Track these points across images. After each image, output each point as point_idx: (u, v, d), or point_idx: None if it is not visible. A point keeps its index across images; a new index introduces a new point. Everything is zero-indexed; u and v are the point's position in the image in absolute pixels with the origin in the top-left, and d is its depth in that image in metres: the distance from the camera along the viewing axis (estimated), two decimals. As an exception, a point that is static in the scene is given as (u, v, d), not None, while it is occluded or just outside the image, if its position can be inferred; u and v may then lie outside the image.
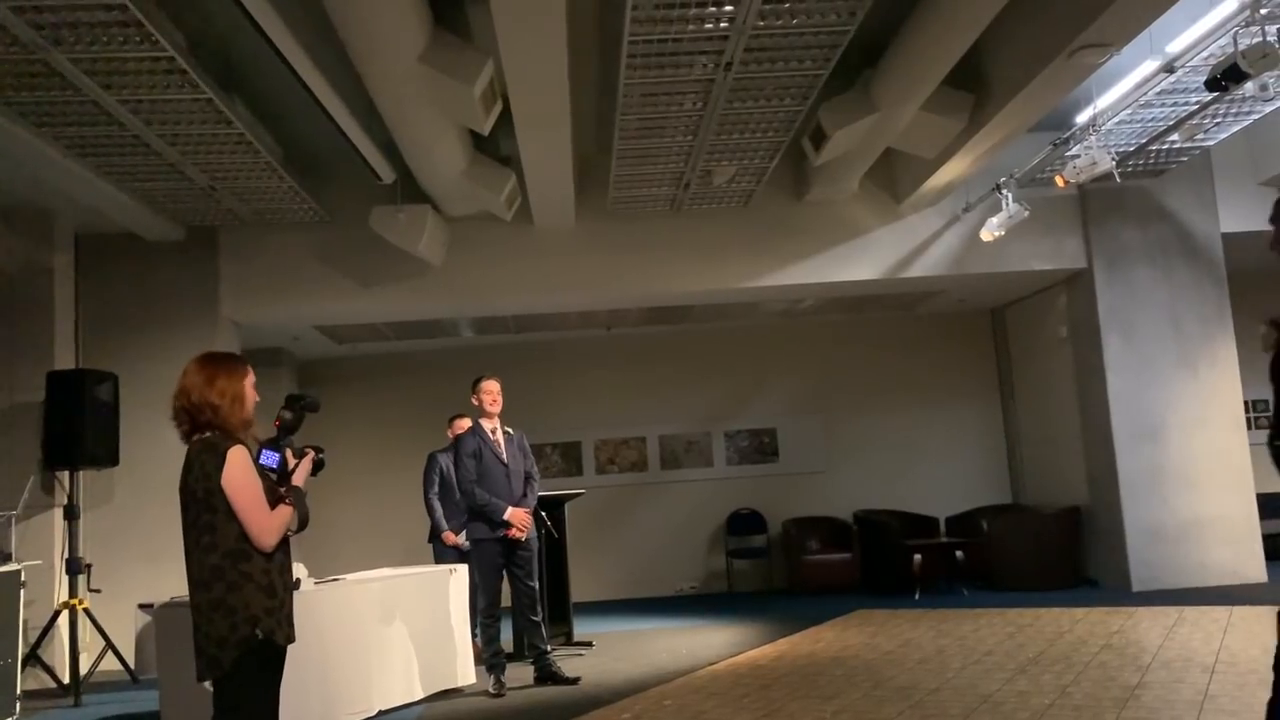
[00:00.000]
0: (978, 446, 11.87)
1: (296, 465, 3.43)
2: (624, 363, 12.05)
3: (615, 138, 7.17)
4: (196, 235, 8.70)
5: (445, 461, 7.82)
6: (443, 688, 6.44)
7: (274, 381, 9.90)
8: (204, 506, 3.14)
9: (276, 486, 3.33)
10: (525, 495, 6.55)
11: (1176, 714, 4.77)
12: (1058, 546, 9.89)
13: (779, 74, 6.23)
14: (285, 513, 3.27)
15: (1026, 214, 8.19)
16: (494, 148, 7.79)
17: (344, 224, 8.62)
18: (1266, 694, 5.01)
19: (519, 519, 6.36)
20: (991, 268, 9.38)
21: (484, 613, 6.50)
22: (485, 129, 6.60)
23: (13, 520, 7.24)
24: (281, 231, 8.77)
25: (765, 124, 7.10)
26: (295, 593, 4.93)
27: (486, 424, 6.61)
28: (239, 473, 3.15)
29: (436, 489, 7.86)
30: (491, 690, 6.33)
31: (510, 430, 6.70)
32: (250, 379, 3.35)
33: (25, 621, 6.63)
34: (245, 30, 5.29)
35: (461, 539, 7.60)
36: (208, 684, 3.22)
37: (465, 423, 7.71)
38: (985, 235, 8.53)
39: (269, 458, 3.38)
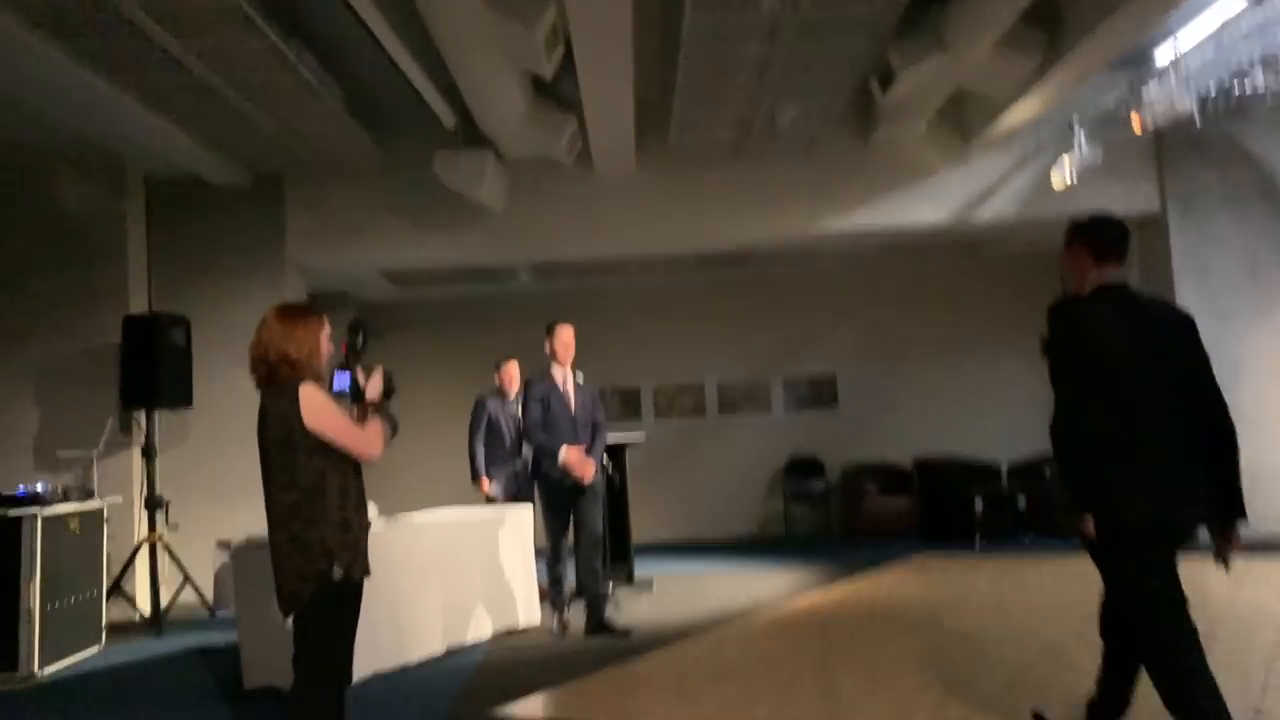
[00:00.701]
0: (1042, 393, 11.51)
1: (368, 382, 3.53)
2: (683, 309, 12.03)
3: (679, 80, 7.09)
4: (263, 181, 8.84)
5: (494, 407, 7.80)
6: (508, 627, 6.59)
7: (339, 325, 10.01)
8: (284, 447, 3.24)
9: (354, 405, 3.47)
10: (593, 443, 6.48)
11: (1246, 666, 4.72)
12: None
13: (848, 12, 6.10)
14: (376, 424, 3.41)
15: (1099, 161, 7.96)
16: (555, 91, 7.75)
17: (407, 169, 8.68)
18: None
19: (573, 459, 6.26)
20: (1061, 211, 9.12)
21: (548, 554, 6.59)
22: (548, 73, 6.57)
23: (94, 459, 7.50)
24: (346, 177, 8.86)
25: (832, 64, 6.98)
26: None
27: (558, 371, 6.53)
28: (319, 405, 3.26)
29: (482, 434, 7.79)
30: (555, 630, 6.45)
31: (581, 378, 6.64)
32: (326, 332, 3.44)
33: (108, 556, 6.88)
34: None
35: (494, 488, 7.64)
36: (289, 622, 3.33)
37: (513, 367, 7.81)
38: (1056, 182, 8.32)
39: (341, 379, 3.49)
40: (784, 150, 8.85)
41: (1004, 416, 11.55)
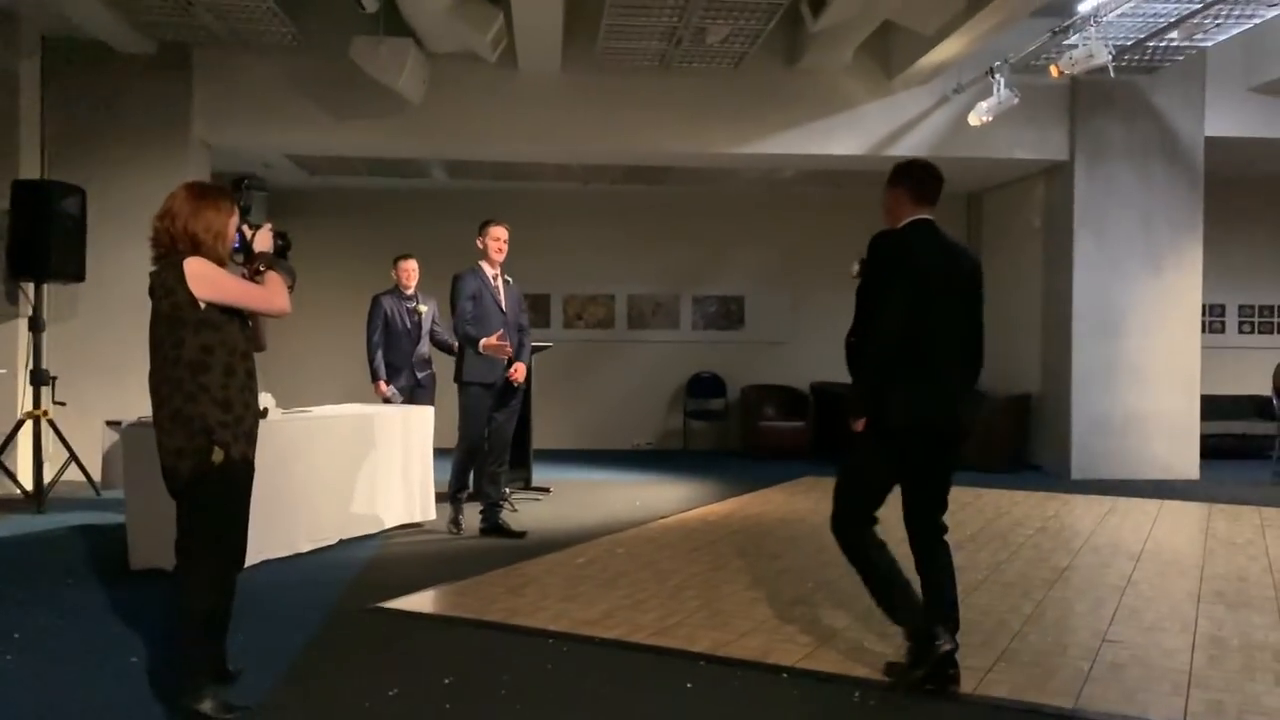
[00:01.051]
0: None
1: (255, 236, 3.53)
2: (598, 219, 11.97)
3: (610, -16, 6.96)
4: (169, 51, 8.42)
5: (391, 304, 7.61)
6: (403, 522, 6.64)
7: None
8: (170, 322, 3.21)
9: (247, 264, 3.47)
10: (523, 346, 6.46)
11: (1100, 595, 5.06)
12: (1005, 431, 10.19)
13: (784, -67, 6.04)
14: (273, 278, 3.41)
15: (1016, 101, 8.14)
16: (483, -17, 7.54)
17: (323, 52, 8.36)
18: (1185, 583, 5.32)
19: (494, 345, 6.16)
20: (975, 152, 9.34)
21: (460, 455, 6.46)
22: (477, -37, 6.38)
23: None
24: (258, 54, 8.50)
25: (765, -16, 6.92)
26: (263, 421, 5.05)
27: (489, 269, 6.43)
28: (208, 273, 3.22)
29: (380, 334, 7.57)
30: (449, 528, 6.51)
31: (510, 279, 6.54)
32: (235, 219, 3.39)
33: (-11, 429, 6.68)
34: None
35: (390, 390, 7.50)
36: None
37: (411, 264, 7.63)
38: (973, 120, 8.47)
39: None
40: (710, 67, 8.79)
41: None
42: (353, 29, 7.78)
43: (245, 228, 3.51)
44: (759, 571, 5.49)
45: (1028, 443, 10.34)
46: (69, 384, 7.72)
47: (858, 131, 9.21)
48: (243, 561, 3.47)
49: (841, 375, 12.14)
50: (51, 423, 7.44)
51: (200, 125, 8.60)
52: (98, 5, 7.32)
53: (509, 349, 6.27)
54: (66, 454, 7.55)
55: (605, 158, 9.79)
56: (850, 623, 4.43)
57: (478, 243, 6.47)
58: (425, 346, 7.72)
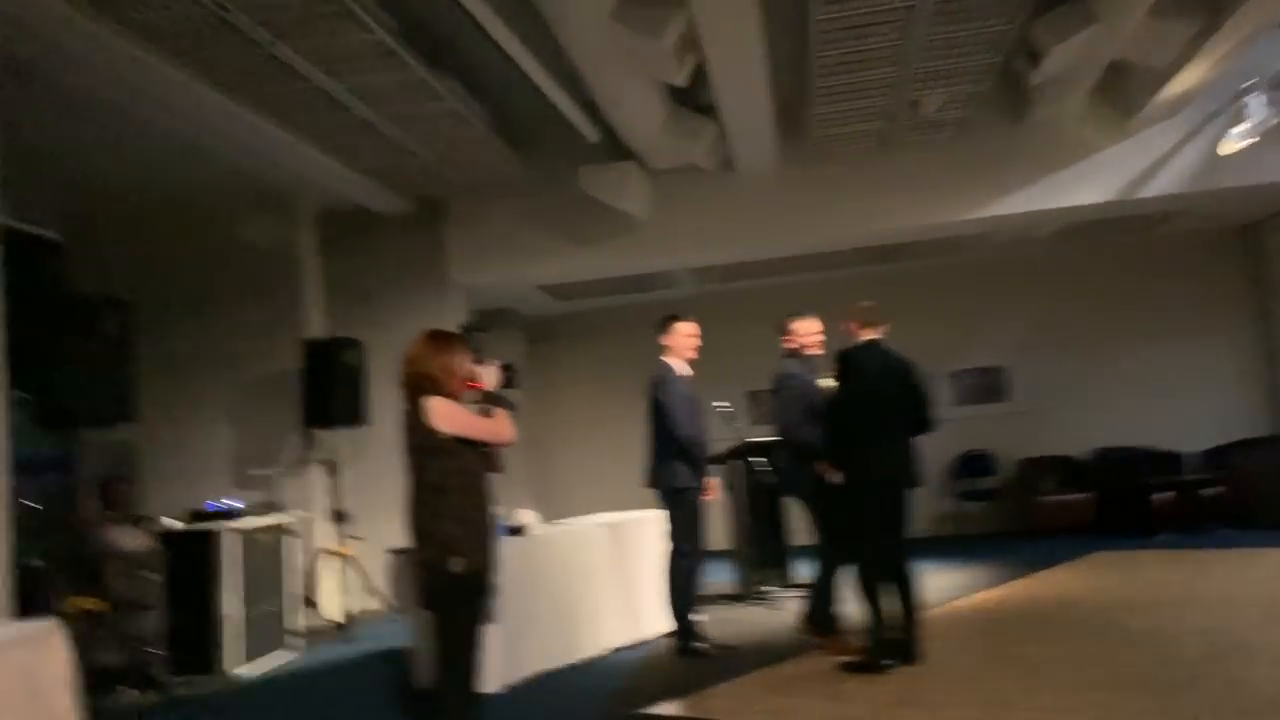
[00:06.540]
0: (1228, 377, 10.96)
1: (483, 375, 3.89)
2: (841, 304, 11.81)
3: (813, 76, 7.03)
4: (424, 207, 9.26)
5: (803, 374, 6.26)
6: (669, 629, 6.68)
7: (504, 340, 10.49)
8: (417, 451, 3.61)
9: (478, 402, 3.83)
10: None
11: None
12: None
13: (981, -7, 5.93)
14: (498, 413, 3.77)
15: (1277, 120, 7.41)
16: (694, 98, 7.81)
17: (556, 185, 8.89)
18: None
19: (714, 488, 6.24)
20: (1241, 180, 8.55)
21: (697, 566, 6.06)
22: (681, 80, 6.63)
23: (281, 476, 8.06)
24: (500, 198, 9.17)
25: (972, 46, 6.78)
26: (524, 536, 5.33)
27: (684, 371, 6.13)
28: (445, 409, 3.59)
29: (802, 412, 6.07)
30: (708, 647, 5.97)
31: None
32: (466, 356, 3.77)
33: (296, 566, 7.36)
34: (448, 7, 5.58)
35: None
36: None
37: (813, 323, 6.51)
38: (1225, 149, 7.78)
39: None
40: (933, 137, 8.62)
41: (1187, 404, 10.89)
42: (579, 160, 8.26)
43: (475, 367, 3.86)
44: (1039, 658, 5.08)
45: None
46: (363, 518, 8.41)
47: (1102, 178, 8.66)
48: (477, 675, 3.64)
49: (1124, 438, 11.23)
50: (351, 556, 8.10)
51: (456, 269, 9.33)
52: (359, 177, 8.21)
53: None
54: (366, 584, 8.18)
55: (834, 243, 9.74)
56: (1146, 705, 4.01)
57: (665, 342, 6.17)
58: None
